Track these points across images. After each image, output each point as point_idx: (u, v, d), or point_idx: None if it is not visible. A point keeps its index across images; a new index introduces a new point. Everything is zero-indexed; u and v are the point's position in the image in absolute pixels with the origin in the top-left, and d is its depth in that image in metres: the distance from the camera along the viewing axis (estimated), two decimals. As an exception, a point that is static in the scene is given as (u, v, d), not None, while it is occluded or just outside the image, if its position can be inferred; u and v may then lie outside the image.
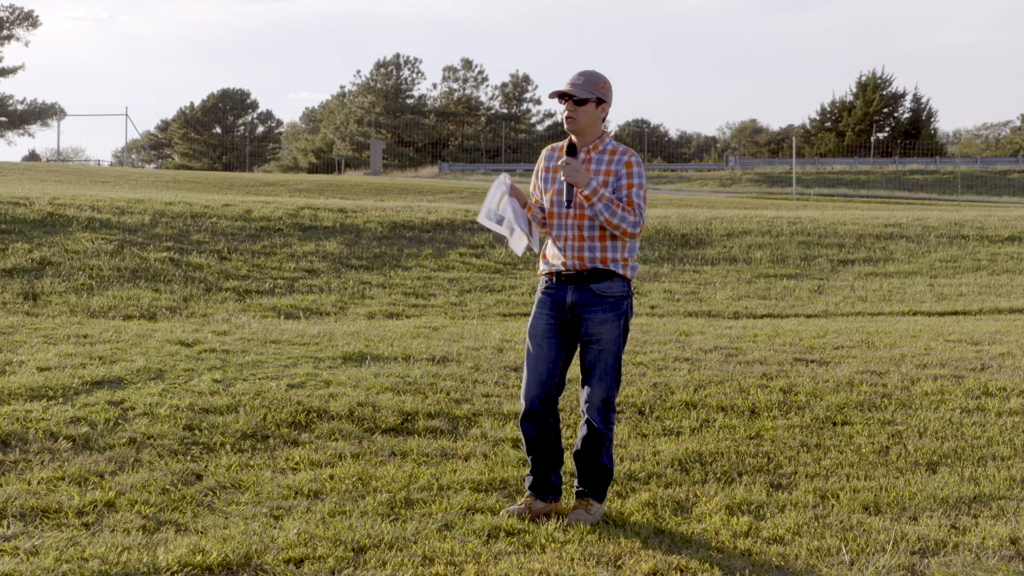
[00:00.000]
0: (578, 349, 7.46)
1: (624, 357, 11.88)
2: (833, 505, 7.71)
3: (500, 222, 7.41)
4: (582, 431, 7.43)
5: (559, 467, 7.54)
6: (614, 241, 7.29)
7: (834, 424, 9.80)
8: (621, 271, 7.32)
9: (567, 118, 7.33)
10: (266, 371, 10.74)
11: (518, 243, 7.43)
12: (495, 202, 7.41)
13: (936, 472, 8.53)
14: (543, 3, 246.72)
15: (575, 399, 9.98)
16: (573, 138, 7.39)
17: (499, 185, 7.41)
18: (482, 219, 7.48)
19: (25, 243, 18.60)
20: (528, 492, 7.51)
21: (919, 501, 7.80)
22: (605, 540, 6.95)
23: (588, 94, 7.27)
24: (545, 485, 7.47)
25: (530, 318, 7.56)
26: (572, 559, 6.62)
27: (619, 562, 6.62)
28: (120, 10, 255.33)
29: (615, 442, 9.08)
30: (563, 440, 7.79)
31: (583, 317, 7.32)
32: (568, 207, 7.29)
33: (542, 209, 7.47)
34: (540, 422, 7.41)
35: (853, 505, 7.70)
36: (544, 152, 7.53)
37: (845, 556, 6.76)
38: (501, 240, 23.57)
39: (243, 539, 6.67)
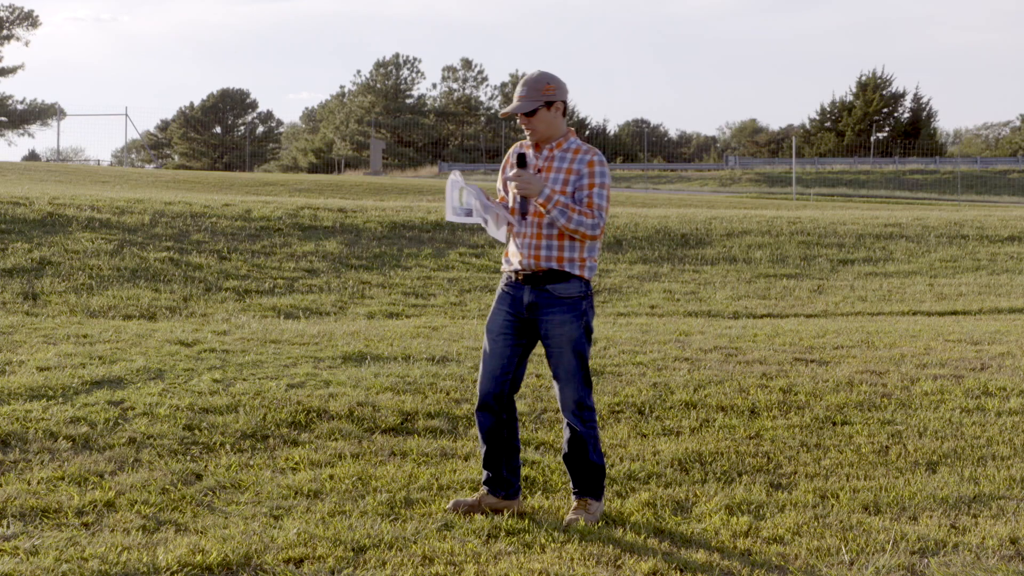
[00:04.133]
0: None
1: (623, 357, 11.88)
2: (833, 505, 7.70)
3: (469, 214, 7.36)
4: (565, 434, 7.41)
5: (514, 463, 7.52)
6: (572, 241, 7.25)
7: (834, 424, 9.80)
8: (578, 272, 7.26)
9: (526, 131, 7.33)
10: (266, 371, 10.74)
11: (498, 232, 7.39)
12: (456, 199, 7.34)
13: (936, 472, 8.53)
14: (543, 3, 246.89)
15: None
16: (521, 147, 7.40)
17: (453, 184, 7.34)
18: (450, 217, 7.41)
19: (25, 243, 18.60)
20: (483, 486, 7.52)
21: (919, 501, 7.79)
22: (605, 540, 6.95)
23: (534, 103, 7.24)
24: (497, 480, 7.47)
25: (489, 313, 7.55)
26: (572, 559, 6.62)
27: (619, 562, 6.62)
28: (120, 10, 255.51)
29: (616, 441, 9.09)
30: (519, 437, 7.69)
31: (541, 318, 7.28)
32: (523, 218, 7.28)
33: (506, 207, 7.43)
34: (493, 416, 7.43)
35: (853, 505, 7.70)
36: (511, 149, 7.50)
37: (845, 556, 6.76)
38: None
39: (243, 539, 6.67)
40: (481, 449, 7.54)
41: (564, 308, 7.25)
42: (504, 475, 7.48)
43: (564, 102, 7.34)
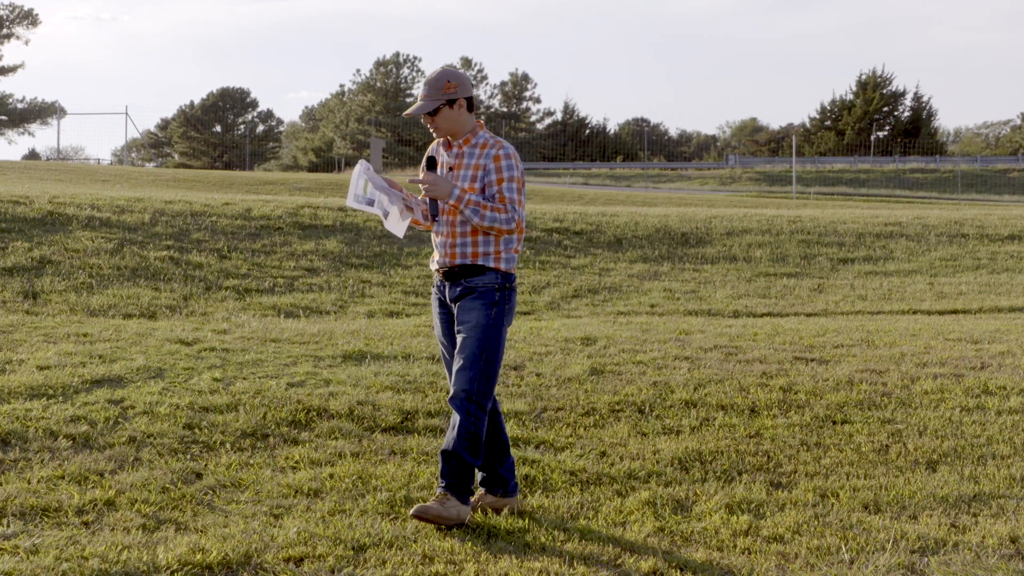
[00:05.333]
0: None
1: (623, 356, 11.88)
2: (833, 504, 7.70)
3: (371, 204, 7.32)
4: (451, 421, 7.25)
5: (507, 460, 7.50)
6: (487, 236, 7.22)
7: (834, 423, 9.80)
8: (493, 264, 7.23)
9: (431, 130, 7.32)
10: (266, 370, 10.74)
11: (396, 225, 7.34)
12: (360, 187, 7.29)
13: (936, 471, 8.53)
14: (542, 2, 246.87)
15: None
16: (431, 150, 7.39)
17: (359, 173, 7.31)
18: (350, 202, 7.35)
19: (25, 242, 18.60)
20: (479, 487, 7.51)
21: (919, 500, 7.79)
22: (605, 539, 6.95)
23: (435, 103, 7.21)
24: (493, 478, 7.46)
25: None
26: (572, 558, 6.62)
27: (619, 561, 6.62)
28: (121, 10, 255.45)
29: (616, 440, 9.09)
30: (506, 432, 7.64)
31: (456, 307, 7.29)
32: (435, 219, 7.27)
33: (426, 203, 7.40)
34: None
35: (853, 504, 7.70)
36: (431, 146, 7.50)
37: (845, 555, 6.76)
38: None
39: (243, 538, 6.67)
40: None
41: (476, 295, 7.21)
42: (500, 473, 7.46)
43: (468, 98, 7.30)
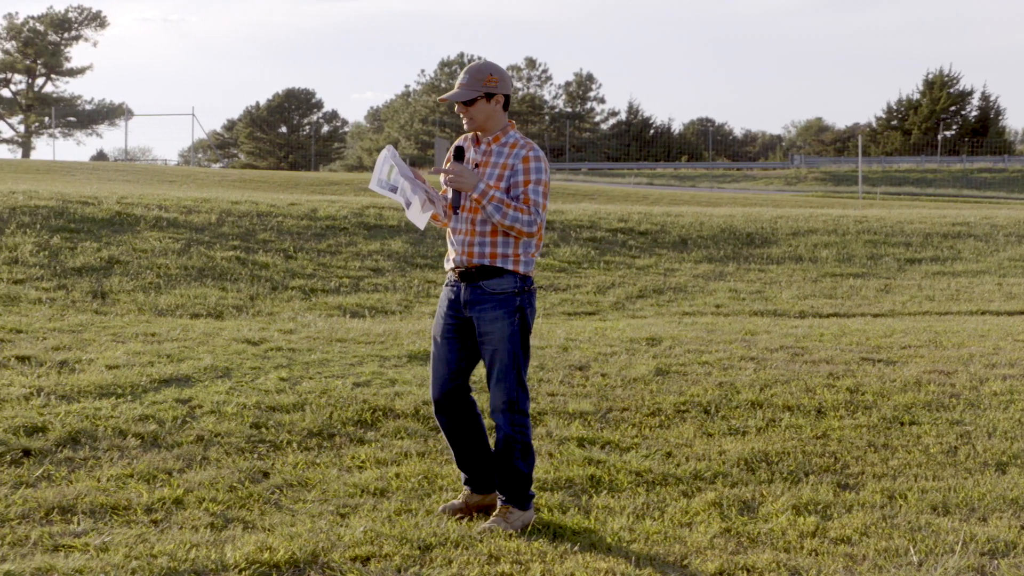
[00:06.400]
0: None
1: (689, 356, 11.85)
2: (901, 505, 7.65)
3: (393, 191, 7.22)
4: (496, 435, 7.22)
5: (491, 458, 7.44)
6: (506, 237, 7.09)
7: (902, 424, 9.73)
8: (512, 267, 7.10)
9: (464, 120, 7.20)
10: (332, 369, 10.78)
11: (417, 216, 7.18)
12: (384, 172, 7.18)
13: (1005, 472, 8.46)
14: (607, 1, 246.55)
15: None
16: (463, 140, 7.29)
17: (385, 158, 7.22)
18: (373, 186, 7.24)
19: (94, 242, 18.75)
20: (464, 486, 7.48)
21: (988, 502, 7.73)
22: (671, 540, 6.94)
23: (473, 93, 7.08)
24: (477, 478, 7.40)
25: (435, 316, 7.46)
26: (638, 559, 6.61)
27: (685, 562, 6.60)
28: (188, 11, 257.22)
29: (682, 440, 9.06)
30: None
31: (475, 315, 7.14)
32: (456, 211, 7.17)
33: (445, 198, 7.30)
34: (450, 417, 7.33)
35: (921, 506, 7.65)
36: (456, 142, 7.40)
37: (913, 557, 6.71)
38: (567, 239, 23.57)
39: (310, 537, 6.70)
40: (450, 451, 7.50)
41: (496, 304, 7.09)
42: (484, 471, 7.40)
43: (506, 96, 7.19)
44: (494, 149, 7.17)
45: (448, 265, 7.33)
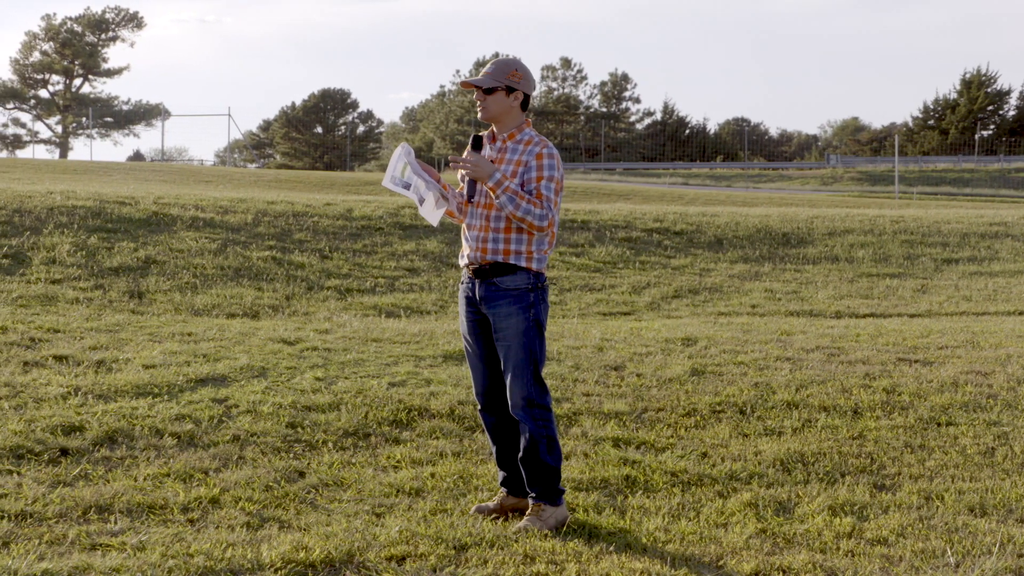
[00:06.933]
0: None
1: (724, 356, 11.83)
2: (938, 506, 7.62)
3: (407, 188, 7.23)
4: (520, 432, 7.23)
5: None
6: (520, 234, 7.12)
7: (938, 425, 9.69)
8: (525, 264, 7.13)
9: (478, 107, 7.24)
10: (367, 369, 10.80)
11: (431, 213, 7.20)
12: (398, 170, 7.22)
13: (1043, 474, 8.41)
14: (641, 1, 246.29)
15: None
16: (481, 132, 7.31)
17: (399, 155, 7.25)
18: (387, 183, 7.29)
19: (131, 242, 18.83)
20: (501, 487, 7.48)
21: (1026, 503, 7.69)
22: (707, 540, 6.93)
23: (496, 82, 7.14)
24: (514, 479, 7.40)
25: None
26: (673, 559, 6.60)
27: (720, 562, 6.59)
28: (224, 11, 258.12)
29: (717, 441, 9.05)
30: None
31: (490, 311, 7.17)
32: (470, 200, 7.21)
33: (461, 195, 7.34)
34: (494, 415, 7.37)
35: (958, 507, 7.61)
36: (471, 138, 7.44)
37: (951, 558, 6.69)
38: (602, 239, 23.55)
39: (345, 536, 6.72)
40: (492, 448, 7.52)
41: (511, 300, 7.12)
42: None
43: (527, 95, 7.25)
44: (509, 146, 7.22)
45: (462, 261, 7.36)
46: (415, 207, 24.59)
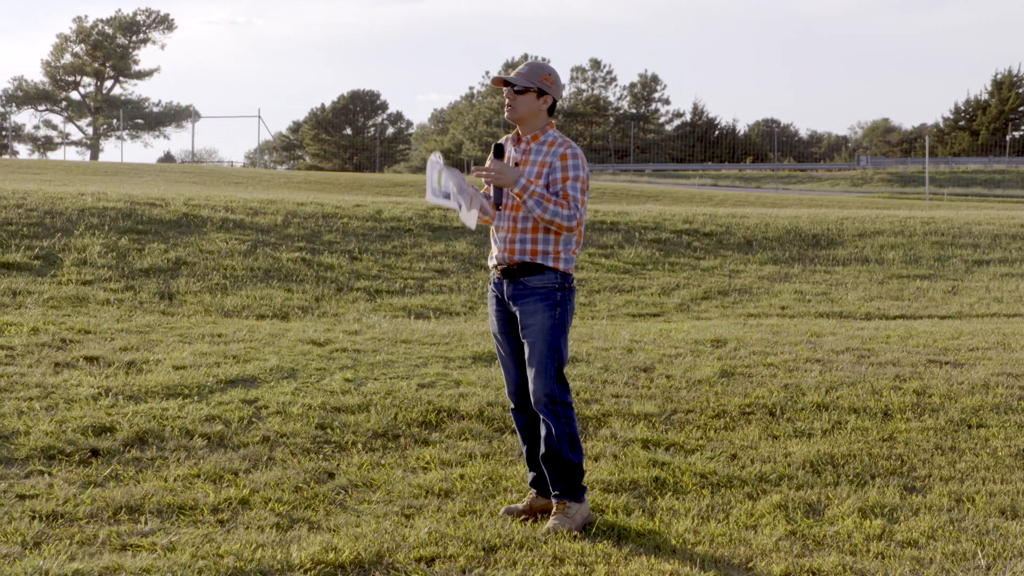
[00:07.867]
0: None
1: (754, 358, 11.81)
2: (969, 509, 7.60)
3: (447, 197, 7.29)
4: (542, 431, 7.27)
5: None
6: (547, 234, 7.18)
7: (969, 427, 9.66)
8: (552, 264, 7.18)
9: (507, 106, 7.32)
10: (397, 371, 10.82)
11: (469, 217, 7.27)
12: (435, 181, 7.27)
13: (1075, 476, 8.38)
14: (671, 2, 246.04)
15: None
16: (501, 139, 7.35)
17: (432, 165, 7.31)
18: (429, 198, 7.32)
19: (161, 243, 18.89)
20: (530, 488, 7.49)
21: (1057, 506, 7.66)
22: (736, 542, 6.92)
23: (528, 83, 7.22)
24: (545, 481, 7.39)
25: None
26: (703, 561, 6.59)
27: (750, 564, 6.58)
28: (254, 13, 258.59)
29: (747, 443, 9.03)
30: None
31: (518, 309, 7.23)
32: (498, 207, 7.25)
33: (487, 197, 7.39)
34: (526, 414, 7.40)
35: (989, 509, 7.58)
36: (504, 138, 7.46)
37: (981, 560, 6.66)
38: (631, 240, 23.53)
39: (375, 537, 6.73)
40: (522, 448, 7.53)
41: (538, 297, 7.17)
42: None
43: (555, 100, 7.32)
44: (533, 147, 7.28)
45: (491, 262, 7.42)
46: (445, 209, 24.61)
